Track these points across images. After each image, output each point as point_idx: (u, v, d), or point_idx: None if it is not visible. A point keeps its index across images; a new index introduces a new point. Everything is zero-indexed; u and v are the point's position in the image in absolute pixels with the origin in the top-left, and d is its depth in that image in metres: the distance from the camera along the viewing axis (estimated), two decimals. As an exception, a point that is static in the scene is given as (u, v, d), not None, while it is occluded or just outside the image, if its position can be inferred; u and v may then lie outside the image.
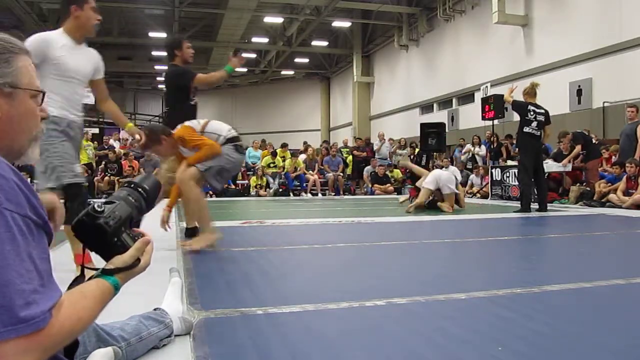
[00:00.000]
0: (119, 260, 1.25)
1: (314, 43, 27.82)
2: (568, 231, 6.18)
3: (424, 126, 15.97)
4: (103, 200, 1.31)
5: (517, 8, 16.64)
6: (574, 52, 14.62)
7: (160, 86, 35.01)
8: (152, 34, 25.06)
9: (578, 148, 10.38)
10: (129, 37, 25.89)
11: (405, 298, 2.61)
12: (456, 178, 9.00)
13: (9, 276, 0.92)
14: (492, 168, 12.14)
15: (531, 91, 8.14)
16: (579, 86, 14.48)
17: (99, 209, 1.23)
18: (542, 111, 8.01)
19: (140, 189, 1.36)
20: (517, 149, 9.84)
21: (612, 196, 9.24)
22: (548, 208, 8.22)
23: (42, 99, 1.21)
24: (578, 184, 10.40)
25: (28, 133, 1.17)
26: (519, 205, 8.21)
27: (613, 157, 10.66)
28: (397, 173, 15.75)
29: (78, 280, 1.23)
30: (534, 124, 7.92)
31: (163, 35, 25.15)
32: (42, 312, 0.95)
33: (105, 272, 1.22)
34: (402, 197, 8.97)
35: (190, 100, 4.96)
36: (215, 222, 4.35)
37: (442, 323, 2.21)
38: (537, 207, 8.10)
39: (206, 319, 2.23)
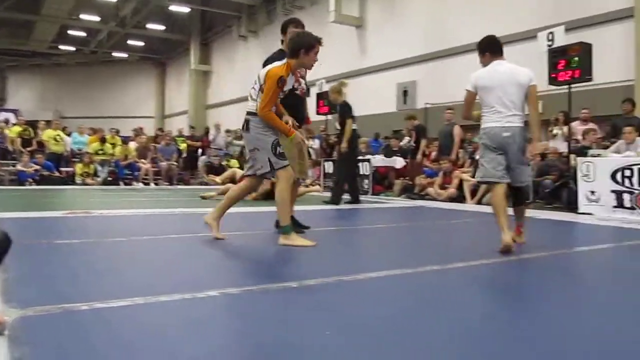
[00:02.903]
0: None
1: (150, 26, 26.74)
2: (390, 222, 6.66)
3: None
4: None
5: (352, 9, 17.45)
6: (402, 55, 15.79)
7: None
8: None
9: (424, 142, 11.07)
10: None
11: (238, 288, 2.65)
12: None
13: None
14: (324, 161, 12.64)
15: (340, 89, 8.36)
16: (405, 88, 15.62)
17: None
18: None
19: None
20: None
21: (430, 190, 10.10)
22: (371, 200, 8.75)
23: None
24: (402, 178, 11.23)
25: None
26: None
27: (433, 153, 11.59)
28: (235, 163, 15.72)
29: None
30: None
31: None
32: None
33: None
34: (207, 193, 9.16)
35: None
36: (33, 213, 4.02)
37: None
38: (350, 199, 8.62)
39: (24, 317, 2.07)
